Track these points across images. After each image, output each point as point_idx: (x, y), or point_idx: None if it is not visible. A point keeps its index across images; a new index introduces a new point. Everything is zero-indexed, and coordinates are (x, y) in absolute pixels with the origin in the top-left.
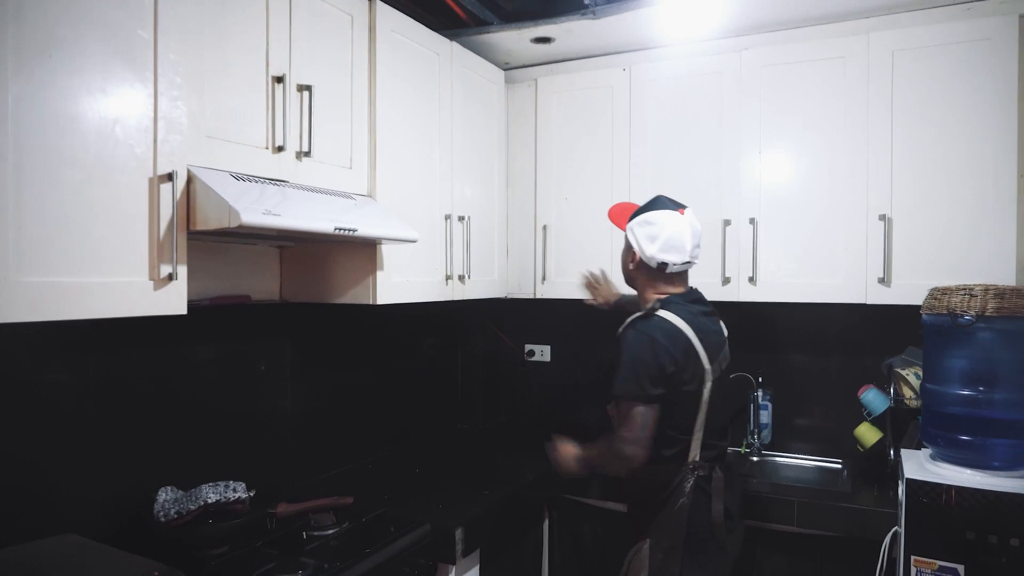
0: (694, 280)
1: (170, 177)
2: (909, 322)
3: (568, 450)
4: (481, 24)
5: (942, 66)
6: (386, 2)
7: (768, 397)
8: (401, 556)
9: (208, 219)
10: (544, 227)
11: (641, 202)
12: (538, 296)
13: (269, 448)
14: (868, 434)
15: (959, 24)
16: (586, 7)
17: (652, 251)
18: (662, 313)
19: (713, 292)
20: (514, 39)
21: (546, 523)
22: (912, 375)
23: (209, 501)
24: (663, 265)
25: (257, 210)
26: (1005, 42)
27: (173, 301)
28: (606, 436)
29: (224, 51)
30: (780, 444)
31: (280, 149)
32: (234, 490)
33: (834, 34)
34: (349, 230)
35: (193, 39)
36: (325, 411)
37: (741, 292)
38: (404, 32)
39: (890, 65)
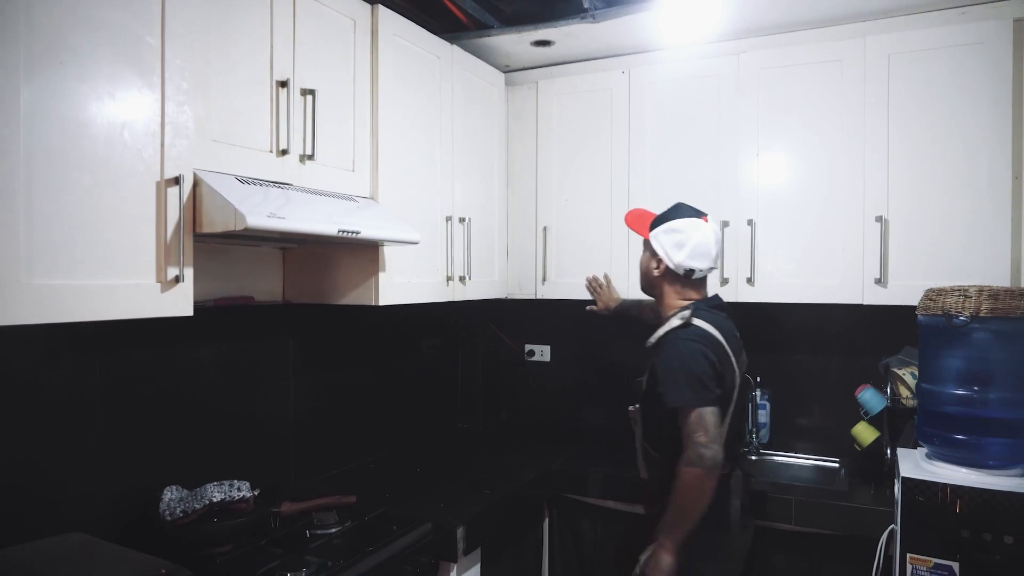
0: None
1: (177, 181)
2: (906, 322)
3: (659, 553)
4: (481, 28)
5: (938, 69)
6: (388, 6)
7: (766, 396)
8: (403, 554)
9: (214, 222)
10: (544, 228)
11: (645, 205)
12: (538, 297)
13: (272, 447)
14: (865, 433)
15: (954, 28)
16: (585, 11)
17: (680, 258)
18: (697, 322)
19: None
20: (514, 42)
21: (546, 521)
22: (908, 375)
23: (214, 500)
24: (690, 272)
25: (262, 213)
26: (999, 46)
27: (180, 303)
28: (668, 497)
29: (229, 56)
30: (778, 443)
31: (284, 152)
32: (238, 489)
33: (831, 37)
34: (352, 232)
35: (199, 44)
36: (327, 411)
37: (739, 293)
38: (406, 36)
39: (886, 68)
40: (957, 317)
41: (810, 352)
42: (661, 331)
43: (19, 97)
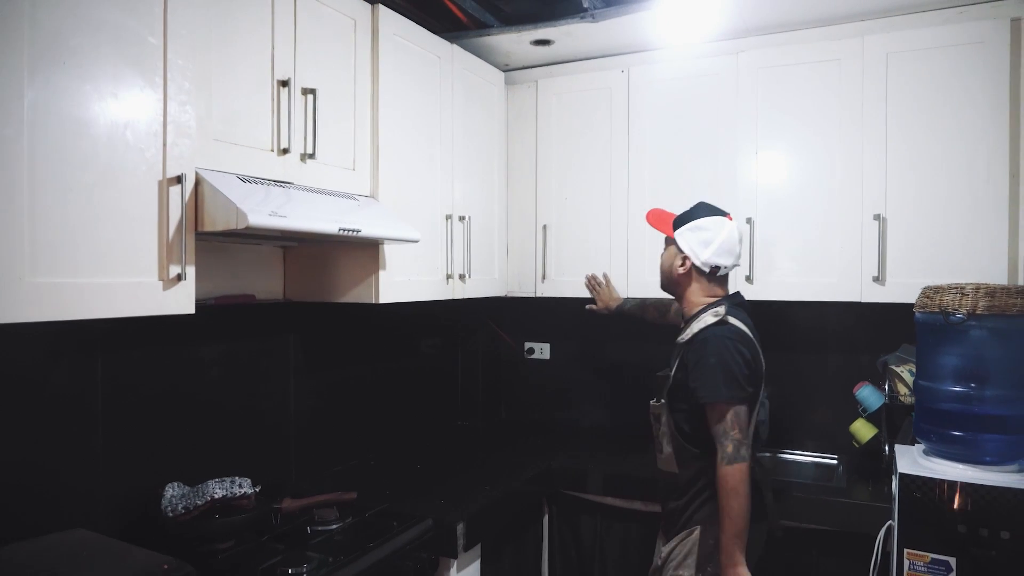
0: None
1: (179, 180)
2: (904, 320)
3: (737, 571)
4: (481, 27)
5: (935, 68)
6: (388, 6)
7: (765, 394)
8: (404, 550)
9: (216, 220)
10: (544, 226)
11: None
12: (538, 295)
13: (274, 444)
14: (863, 430)
15: (952, 27)
16: (585, 10)
17: (707, 256)
18: (732, 320)
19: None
20: (514, 41)
21: (546, 518)
22: (906, 372)
23: (216, 496)
24: (716, 269)
25: (263, 211)
26: (997, 45)
27: (182, 301)
28: (719, 509)
29: (231, 56)
30: (777, 440)
31: (285, 151)
32: (240, 486)
33: (829, 37)
34: (353, 230)
35: (201, 44)
36: (328, 408)
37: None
38: (406, 35)
39: (884, 67)
40: (954, 315)
41: (809, 349)
42: (695, 327)
43: (23, 97)
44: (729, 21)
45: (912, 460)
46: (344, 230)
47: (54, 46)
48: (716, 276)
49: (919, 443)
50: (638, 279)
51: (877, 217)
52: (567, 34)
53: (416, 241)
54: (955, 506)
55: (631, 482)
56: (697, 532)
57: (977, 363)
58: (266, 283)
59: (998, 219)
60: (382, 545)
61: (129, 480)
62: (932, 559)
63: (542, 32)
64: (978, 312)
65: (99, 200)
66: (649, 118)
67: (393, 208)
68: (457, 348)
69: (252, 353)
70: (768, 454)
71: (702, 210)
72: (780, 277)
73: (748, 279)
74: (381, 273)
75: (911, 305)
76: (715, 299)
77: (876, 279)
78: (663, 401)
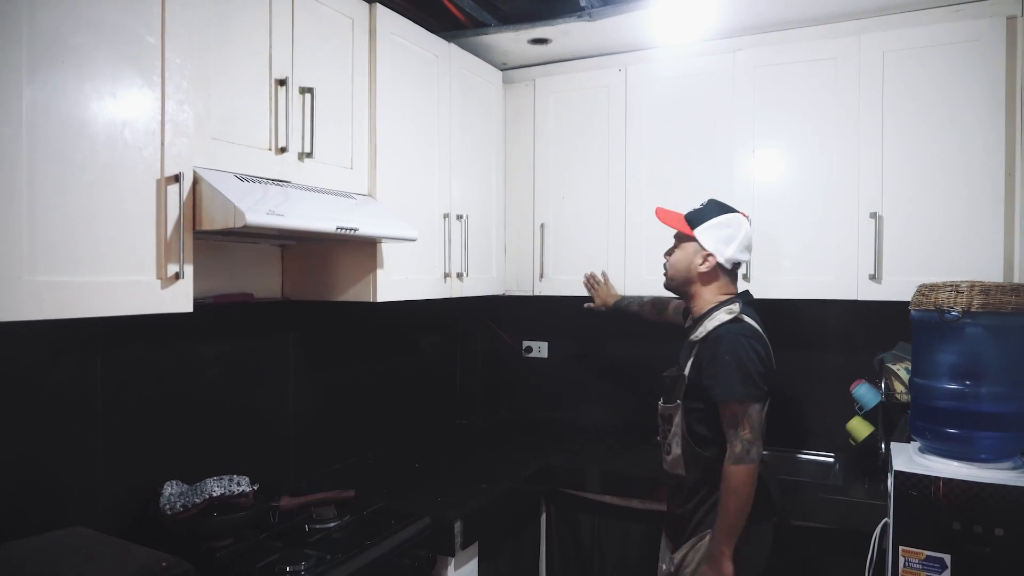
0: None
1: (177, 179)
2: (900, 318)
3: (721, 562)
4: (479, 26)
5: (932, 67)
6: (386, 5)
7: None
8: (401, 548)
9: (214, 219)
10: (542, 225)
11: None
12: (536, 293)
13: (272, 443)
14: (860, 428)
15: (948, 25)
16: (582, 9)
17: (730, 252)
18: (747, 319)
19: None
20: (511, 40)
21: (544, 516)
22: (903, 370)
23: (214, 495)
24: (737, 265)
25: (261, 210)
26: (993, 43)
27: (180, 299)
28: (719, 505)
29: (228, 55)
30: (773, 438)
31: (283, 150)
32: (238, 484)
33: (826, 35)
34: (350, 229)
35: (199, 44)
36: (327, 407)
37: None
38: (403, 35)
39: (881, 66)
40: (949, 312)
41: (805, 347)
42: (709, 324)
43: (21, 97)
44: (726, 20)
45: (908, 457)
46: (342, 229)
47: (53, 45)
48: (733, 273)
49: (915, 440)
50: (636, 277)
51: (873, 215)
52: (564, 33)
53: (414, 240)
54: (950, 504)
55: (629, 480)
56: (708, 538)
57: (972, 360)
58: (264, 282)
59: (994, 217)
60: (380, 543)
61: (128, 478)
62: (927, 556)
63: (539, 31)
64: (973, 310)
65: (98, 199)
66: (646, 117)
67: (391, 207)
68: (456, 347)
69: (250, 352)
70: (767, 452)
71: (717, 207)
72: (777, 275)
73: (745, 277)
74: (379, 272)
75: (907, 303)
76: (728, 296)
77: (872, 277)
78: (678, 402)
